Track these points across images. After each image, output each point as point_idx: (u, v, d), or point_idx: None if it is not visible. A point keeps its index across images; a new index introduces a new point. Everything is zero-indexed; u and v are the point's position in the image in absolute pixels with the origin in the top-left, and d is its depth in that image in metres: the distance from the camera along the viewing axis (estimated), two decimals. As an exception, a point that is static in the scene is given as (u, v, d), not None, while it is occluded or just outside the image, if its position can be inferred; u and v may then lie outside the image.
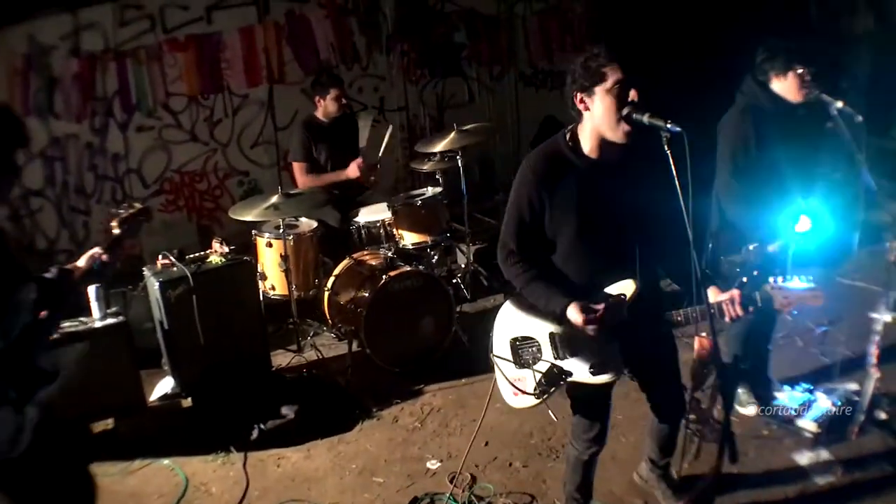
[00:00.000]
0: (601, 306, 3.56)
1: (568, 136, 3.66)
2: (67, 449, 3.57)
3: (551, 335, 3.79)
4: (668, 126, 3.21)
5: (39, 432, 3.28)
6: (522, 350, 3.88)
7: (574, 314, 3.56)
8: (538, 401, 3.83)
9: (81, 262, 3.76)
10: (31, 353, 3.33)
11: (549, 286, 3.68)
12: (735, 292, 3.58)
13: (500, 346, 3.95)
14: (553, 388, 3.80)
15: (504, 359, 3.91)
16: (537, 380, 3.80)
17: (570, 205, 3.60)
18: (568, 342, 3.76)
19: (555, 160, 3.64)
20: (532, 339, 3.86)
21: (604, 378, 3.73)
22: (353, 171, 7.47)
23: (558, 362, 3.78)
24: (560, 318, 3.68)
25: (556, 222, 3.65)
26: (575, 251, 3.69)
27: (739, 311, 3.56)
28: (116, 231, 3.90)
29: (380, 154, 7.64)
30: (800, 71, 4.58)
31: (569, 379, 3.76)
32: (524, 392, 3.85)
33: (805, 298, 3.55)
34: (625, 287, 3.64)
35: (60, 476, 3.48)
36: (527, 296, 3.80)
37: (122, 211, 4.00)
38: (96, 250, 3.77)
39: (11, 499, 3.35)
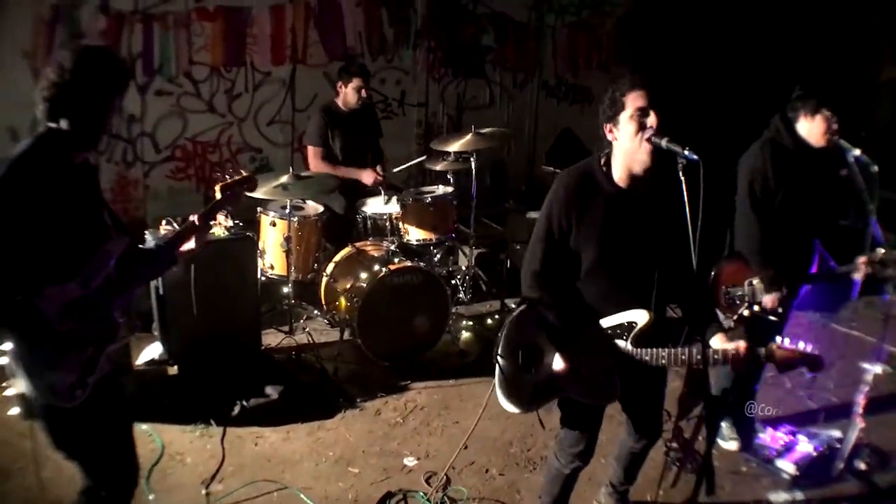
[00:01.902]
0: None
1: (603, 161, 3.70)
2: (117, 406, 3.59)
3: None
4: (686, 153, 3.23)
5: (100, 386, 3.35)
6: (526, 356, 3.87)
7: (559, 362, 3.70)
8: (527, 409, 3.86)
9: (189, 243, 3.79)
10: (108, 305, 3.37)
11: (558, 321, 3.73)
12: (742, 345, 3.58)
13: (506, 347, 3.92)
14: (547, 401, 3.83)
15: (506, 360, 3.90)
16: (534, 388, 3.81)
17: (594, 229, 3.64)
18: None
19: (587, 182, 3.68)
20: (538, 347, 3.85)
21: (599, 402, 3.77)
22: (368, 178, 7.51)
23: (557, 377, 3.78)
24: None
25: (579, 244, 3.69)
26: (593, 275, 3.73)
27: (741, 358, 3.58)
28: (217, 196, 3.90)
29: (397, 170, 7.69)
30: (829, 116, 4.58)
31: (563, 395, 3.78)
32: (517, 398, 3.85)
33: (805, 362, 3.56)
34: (637, 316, 3.66)
35: (105, 431, 3.50)
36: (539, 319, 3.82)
37: (227, 177, 4.00)
38: (192, 218, 3.76)
39: (55, 442, 3.40)
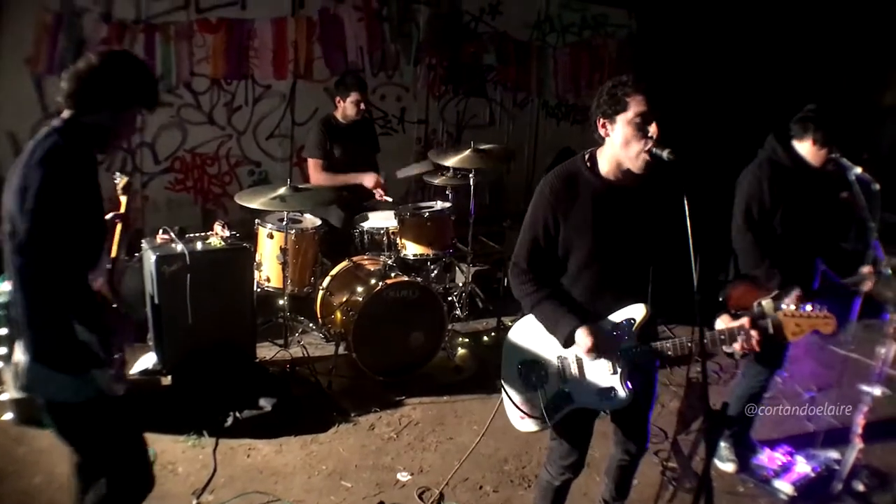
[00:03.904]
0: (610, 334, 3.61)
1: (587, 157, 3.66)
2: (127, 407, 3.56)
3: (559, 359, 3.77)
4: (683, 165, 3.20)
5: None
6: (530, 373, 3.84)
7: (583, 337, 3.56)
8: (543, 425, 3.83)
9: None
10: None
11: (559, 308, 3.66)
12: (746, 321, 3.53)
13: (509, 367, 3.92)
14: (558, 414, 3.78)
15: (511, 381, 3.88)
16: (543, 404, 3.77)
17: (585, 225, 3.59)
18: (576, 368, 3.74)
19: (571, 180, 3.63)
20: (540, 362, 3.83)
21: (610, 406, 3.73)
22: (369, 181, 7.48)
23: (564, 387, 3.76)
24: (566, 342, 3.65)
25: (570, 242, 3.64)
26: (586, 271, 3.67)
27: (755, 342, 3.51)
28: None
29: (401, 175, 7.74)
30: (834, 155, 4.59)
31: (574, 405, 3.74)
32: (530, 416, 3.84)
33: (818, 324, 3.51)
34: (634, 311, 3.63)
35: (114, 432, 3.49)
36: (535, 316, 3.78)
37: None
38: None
39: (63, 435, 3.39)
